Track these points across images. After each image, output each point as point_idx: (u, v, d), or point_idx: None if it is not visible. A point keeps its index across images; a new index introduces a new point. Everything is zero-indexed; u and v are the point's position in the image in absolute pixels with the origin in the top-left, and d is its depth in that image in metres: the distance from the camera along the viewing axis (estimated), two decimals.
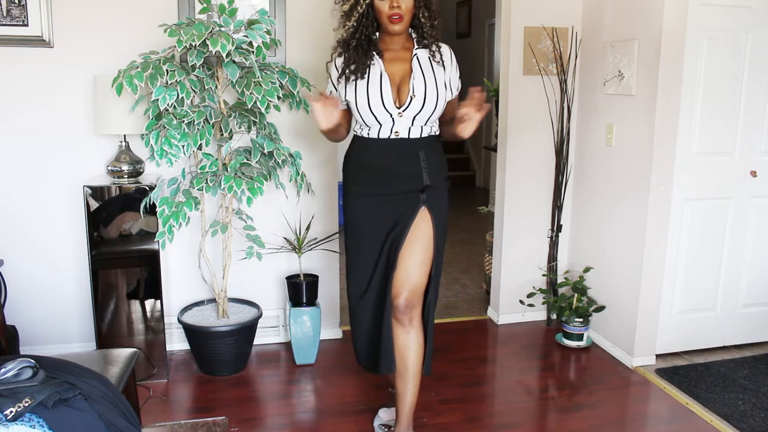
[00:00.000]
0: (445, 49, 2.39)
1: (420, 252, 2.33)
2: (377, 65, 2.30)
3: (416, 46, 2.34)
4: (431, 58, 2.33)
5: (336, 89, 2.38)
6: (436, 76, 2.31)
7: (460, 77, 2.42)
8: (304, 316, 3.15)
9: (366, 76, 2.29)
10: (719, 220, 3.27)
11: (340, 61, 2.36)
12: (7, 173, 3.04)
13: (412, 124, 2.31)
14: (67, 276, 3.17)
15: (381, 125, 2.30)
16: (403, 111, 2.28)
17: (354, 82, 2.29)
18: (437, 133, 2.42)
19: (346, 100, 2.34)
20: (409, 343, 2.36)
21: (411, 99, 2.27)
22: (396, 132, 2.31)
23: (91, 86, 2.98)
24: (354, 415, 2.77)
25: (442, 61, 2.35)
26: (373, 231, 2.38)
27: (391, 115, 2.28)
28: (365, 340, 2.45)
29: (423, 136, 2.34)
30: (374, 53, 2.32)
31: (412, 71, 2.30)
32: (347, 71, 2.31)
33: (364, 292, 2.41)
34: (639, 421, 2.84)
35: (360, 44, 2.30)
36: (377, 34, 2.34)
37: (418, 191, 2.34)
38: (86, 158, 3.10)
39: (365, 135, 2.36)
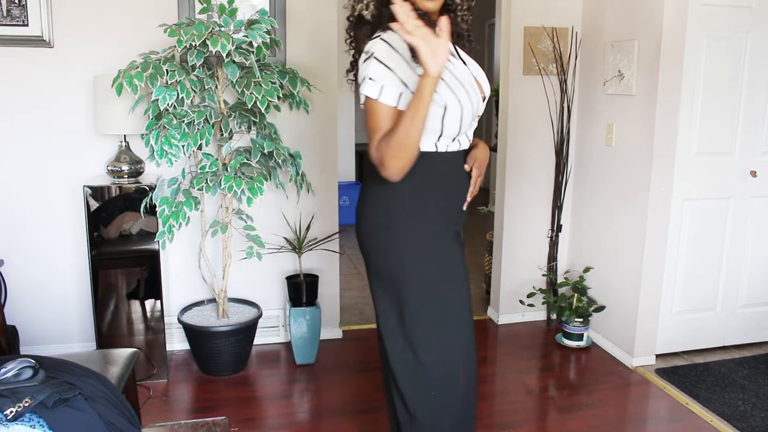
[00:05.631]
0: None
1: None
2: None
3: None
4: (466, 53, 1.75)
5: (407, 86, 1.55)
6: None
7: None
8: (304, 316, 3.15)
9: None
10: (719, 220, 3.27)
11: (395, 40, 1.56)
12: (7, 173, 3.04)
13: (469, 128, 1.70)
14: (67, 276, 3.18)
15: (459, 131, 1.64)
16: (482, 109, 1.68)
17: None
18: None
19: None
20: None
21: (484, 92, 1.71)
22: (468, 138, 1.70)
23: (91, 86, 2.98)
24: (354, 415, 2.76)
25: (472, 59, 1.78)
26: (460, 283, 1.75)
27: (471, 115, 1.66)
28: (459, 404, 1.78)
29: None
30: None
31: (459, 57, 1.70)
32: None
33: (465, 350, 1.77)
34: (639, 421, 2.84)
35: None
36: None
37: (461, 226, 1.80)
38: (86, 158, 3.10)
39: (433, 149, 1.65)
